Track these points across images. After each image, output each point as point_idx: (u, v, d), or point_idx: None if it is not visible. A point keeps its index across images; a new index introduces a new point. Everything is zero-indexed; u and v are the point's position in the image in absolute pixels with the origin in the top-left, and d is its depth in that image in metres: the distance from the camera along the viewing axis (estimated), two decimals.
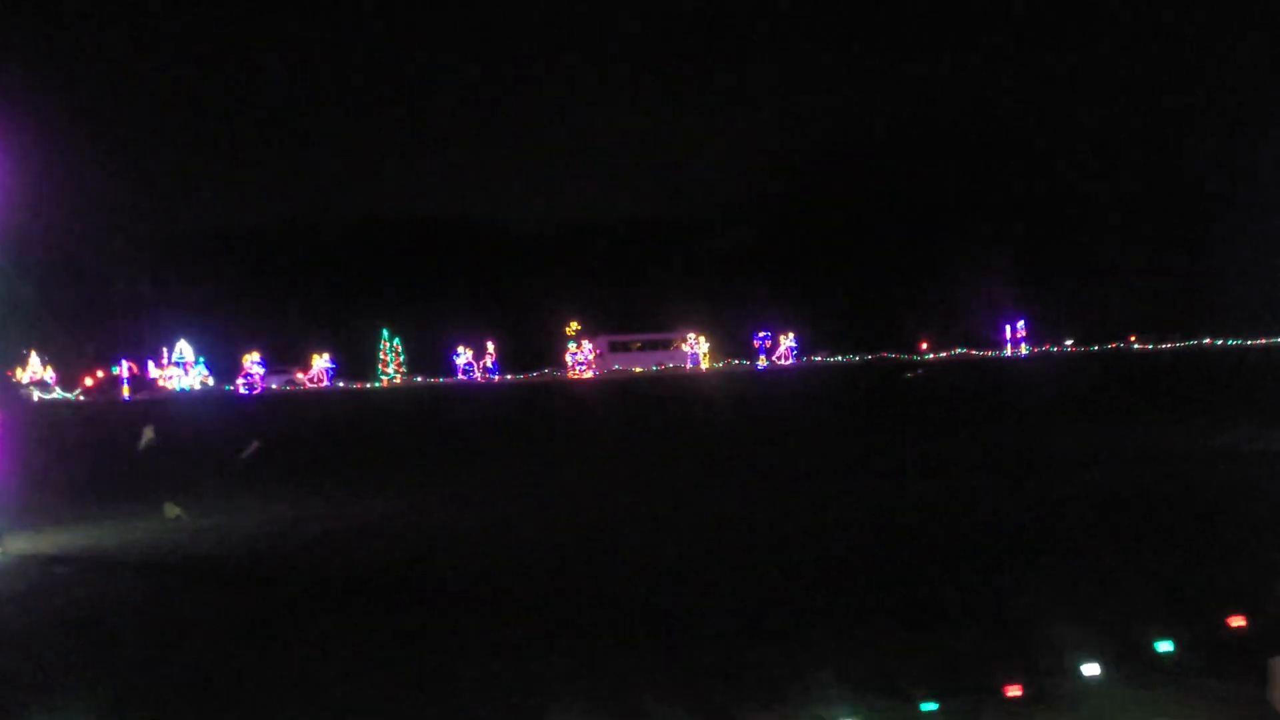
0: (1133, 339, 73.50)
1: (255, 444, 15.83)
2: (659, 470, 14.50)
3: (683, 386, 41.13)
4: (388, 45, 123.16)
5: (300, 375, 64.93)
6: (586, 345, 68.71)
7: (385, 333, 70.19)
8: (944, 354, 75.57)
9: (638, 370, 69.85)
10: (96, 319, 64.02)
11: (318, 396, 50.76)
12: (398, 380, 72.14)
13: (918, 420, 21.09)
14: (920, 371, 36.92)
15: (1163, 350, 64.65)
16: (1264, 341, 64.33)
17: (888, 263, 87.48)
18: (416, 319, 75.59)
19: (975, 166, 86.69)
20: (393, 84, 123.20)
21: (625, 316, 76.16)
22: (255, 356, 63.65)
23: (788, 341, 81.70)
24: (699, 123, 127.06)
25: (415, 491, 13.10)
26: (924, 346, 77.15)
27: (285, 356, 68.85)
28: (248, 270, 76.17)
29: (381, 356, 70.42)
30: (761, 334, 76.00)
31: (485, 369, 69.08)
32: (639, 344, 71.57)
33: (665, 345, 71.76)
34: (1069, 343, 75.12)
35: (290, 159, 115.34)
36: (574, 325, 70.59)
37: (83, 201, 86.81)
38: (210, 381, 66.30)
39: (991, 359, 67.50)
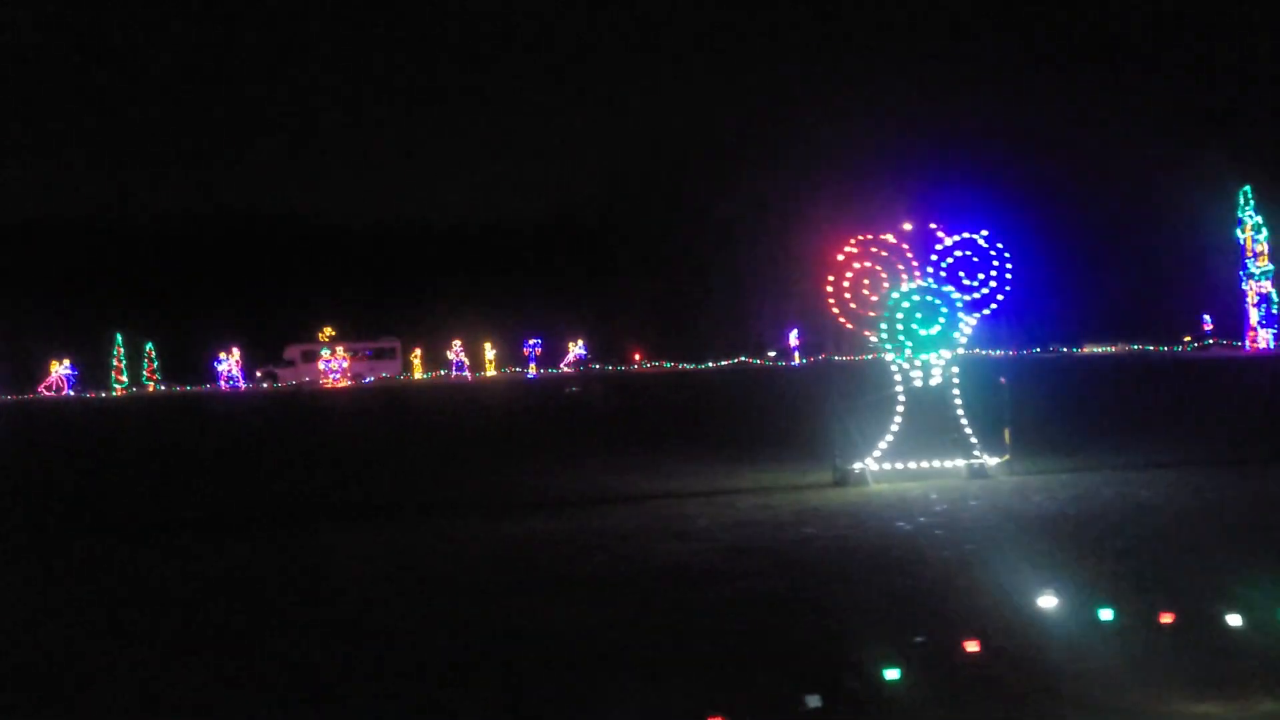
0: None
1: None
2: None
3: (369, 399, 38.73)
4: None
5: None
6: (340, 351, 65.40)
7: (119, 338, 65.55)
8: (724, 363, 75.08)
9: (413, 377, 66.98)
10: None
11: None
12: (150, 388, 67.54)
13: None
14: (577, 388, 35.59)
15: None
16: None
17: (679, 270, 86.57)
18: (174, 323, 70.91)
19: (768, 175, 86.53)
20: (161, 74, 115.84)
21: (395, 323, 73.09)
22: None
23: (576, 349, 79.96)
24: (478, 126, 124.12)
25: None
26: (638, 356, 76.79)
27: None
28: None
29: (115, 363, 65.74)
30: (531, 341, 74.08)
31: (228, 376, 65.14)
32: (376, 351, 68.62)
33: (388, 353, 69.02)
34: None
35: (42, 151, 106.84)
36: (328, 330, 67.22)
37: None
38: None
39: (760, 367, 67.01)
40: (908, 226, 12.79)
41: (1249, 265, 53.17)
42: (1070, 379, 35.01)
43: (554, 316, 76.71)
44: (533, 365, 72.52)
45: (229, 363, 66.20)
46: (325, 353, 64.63)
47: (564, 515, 10.67)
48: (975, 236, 12.73)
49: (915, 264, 12.60)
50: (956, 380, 12.46)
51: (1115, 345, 61.71)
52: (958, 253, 12.65)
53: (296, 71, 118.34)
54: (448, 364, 70.56)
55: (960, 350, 12.60)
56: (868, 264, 12.57)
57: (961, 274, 12.65)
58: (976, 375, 13.48)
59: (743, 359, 75.45)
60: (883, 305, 12.50)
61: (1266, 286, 52.47)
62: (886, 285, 12.55)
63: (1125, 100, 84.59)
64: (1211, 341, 57.30)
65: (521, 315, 75.35)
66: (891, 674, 4.68)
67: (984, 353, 60.79)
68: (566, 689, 5.36)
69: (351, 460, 17.86)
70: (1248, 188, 53.62)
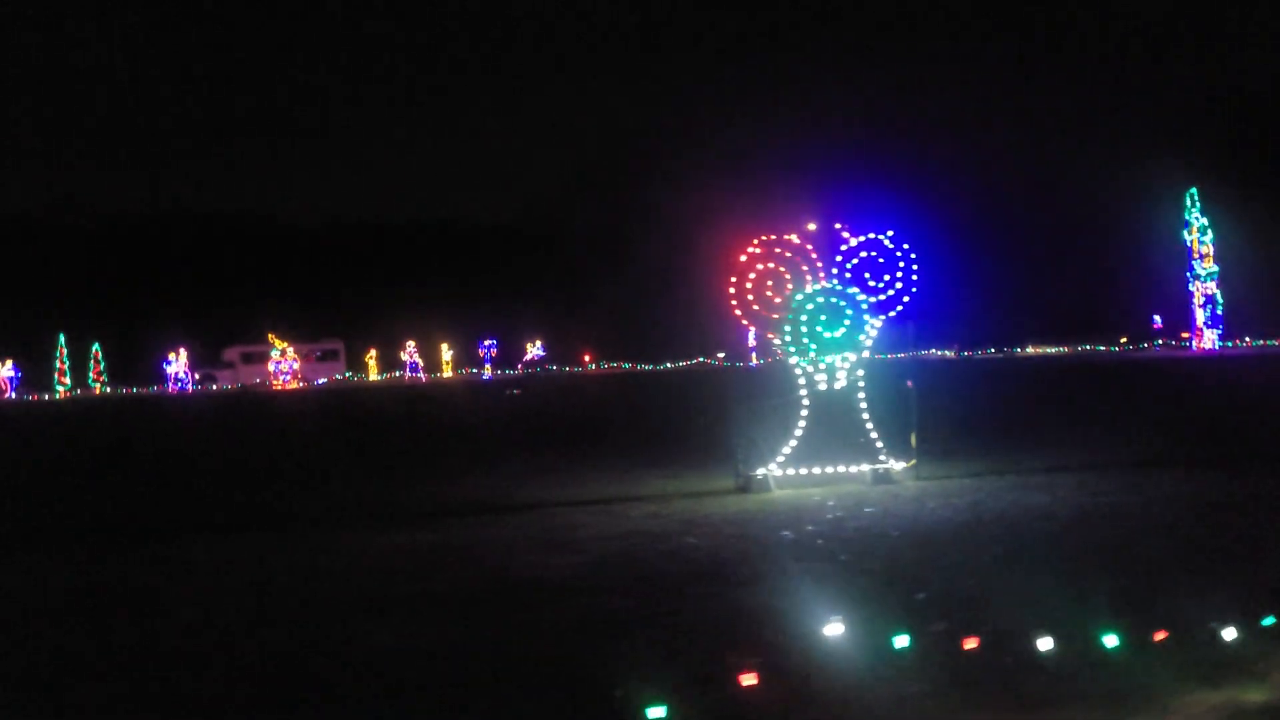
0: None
1: None
2: None
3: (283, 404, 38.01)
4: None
5: None
6: (290, 353, 64.50)
7: (62, 338, 64.31)
8: (682, 364, 74.81)
9: (366, 379, 66.17)
10: None
11: None
12: (96, 390, 66.36)
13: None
14: (519, 390, 35.14)
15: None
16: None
17: (636, 270, 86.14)
18: (122, 324, 69.75)
19: (717, 175, 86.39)
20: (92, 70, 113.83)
21: (351, 324, 72.24)
22: None
23: (534, 349, 79.31)
24: (432, 126, 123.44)
25: None
26: (588, 357, 76.53)
27: None
28: None
29: (59, 365, 64.50)
30: (486, 342, 73.48)
31: (176, 378, 64.06)
32: (323, 353, 67.82)
33: (333, 355, 68.22)
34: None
35: None
36: (274, 339, 66.19)
37: None
38: None
39: (715, 368, 66.79)
40: (812, 227, 12.50)
41: (1195, 267, 53.72)
42: (1005, 380, 35.03)
43: (511, 317, 76.16)
44: (488, 366, 71.98)
45: (177, 364, 65.12)
46: (275, 354, 63.73)
47: (443, 526, 10.25)
48: (881, 237, 12.46)
49: (819, 265, 12.32)
50: (862, 384, 12.19)
51: (1065, 346, 62.10)
52: (863, 253, 12.39)
53: (245, 72, 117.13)
54: (402, 365, 69.88)
55: (867, 353, 12.32)
56: (771, 265, 12.28)
57: (867, 275, 12.38)
58: (889, 378, 13.21)
59: (701, 359, 75.19)
60: (786, 307, 12.20)
61: (1212, 288, 53.06)
62: (790, 287, 12.25)
63: (1072, 101, 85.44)
64: (1161, 342, 57.83)
65: (478, 315, 74.75)
66: (656, 712, 4.33)
67: (933, 353, 61.08)
68: None
69: (261, 466, 17.35)
70: (1194, 190, 54.17)
